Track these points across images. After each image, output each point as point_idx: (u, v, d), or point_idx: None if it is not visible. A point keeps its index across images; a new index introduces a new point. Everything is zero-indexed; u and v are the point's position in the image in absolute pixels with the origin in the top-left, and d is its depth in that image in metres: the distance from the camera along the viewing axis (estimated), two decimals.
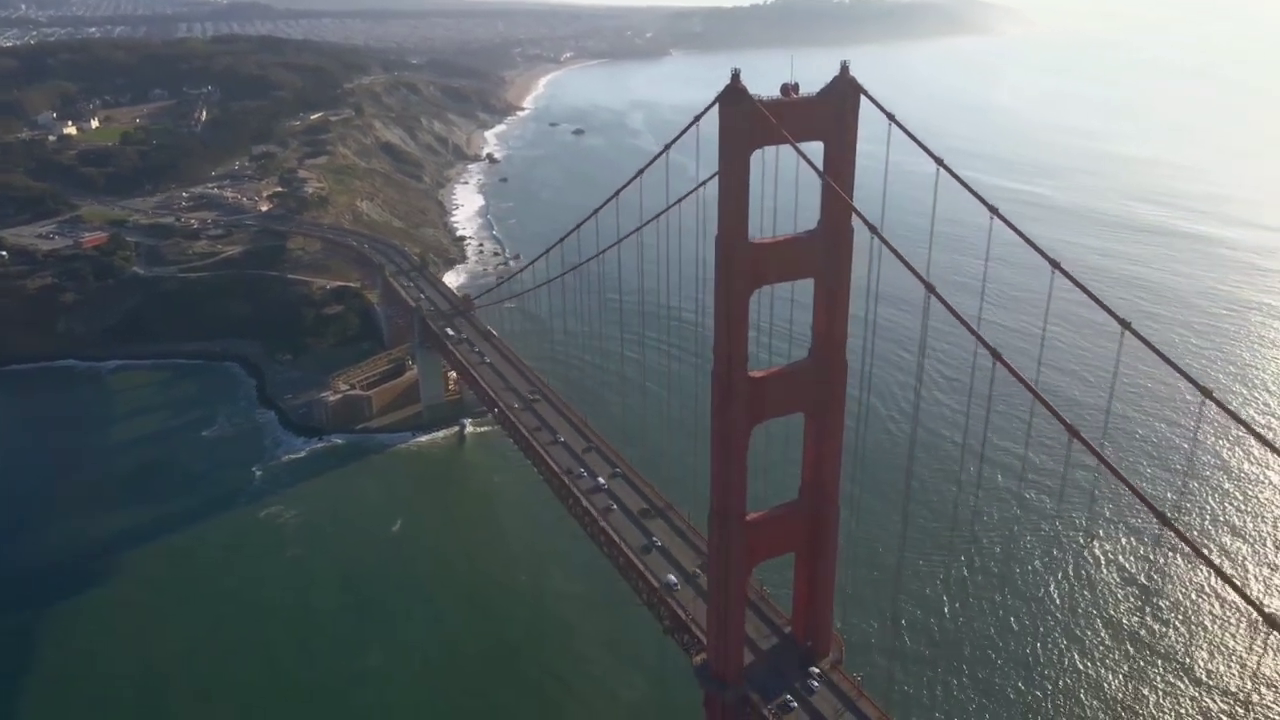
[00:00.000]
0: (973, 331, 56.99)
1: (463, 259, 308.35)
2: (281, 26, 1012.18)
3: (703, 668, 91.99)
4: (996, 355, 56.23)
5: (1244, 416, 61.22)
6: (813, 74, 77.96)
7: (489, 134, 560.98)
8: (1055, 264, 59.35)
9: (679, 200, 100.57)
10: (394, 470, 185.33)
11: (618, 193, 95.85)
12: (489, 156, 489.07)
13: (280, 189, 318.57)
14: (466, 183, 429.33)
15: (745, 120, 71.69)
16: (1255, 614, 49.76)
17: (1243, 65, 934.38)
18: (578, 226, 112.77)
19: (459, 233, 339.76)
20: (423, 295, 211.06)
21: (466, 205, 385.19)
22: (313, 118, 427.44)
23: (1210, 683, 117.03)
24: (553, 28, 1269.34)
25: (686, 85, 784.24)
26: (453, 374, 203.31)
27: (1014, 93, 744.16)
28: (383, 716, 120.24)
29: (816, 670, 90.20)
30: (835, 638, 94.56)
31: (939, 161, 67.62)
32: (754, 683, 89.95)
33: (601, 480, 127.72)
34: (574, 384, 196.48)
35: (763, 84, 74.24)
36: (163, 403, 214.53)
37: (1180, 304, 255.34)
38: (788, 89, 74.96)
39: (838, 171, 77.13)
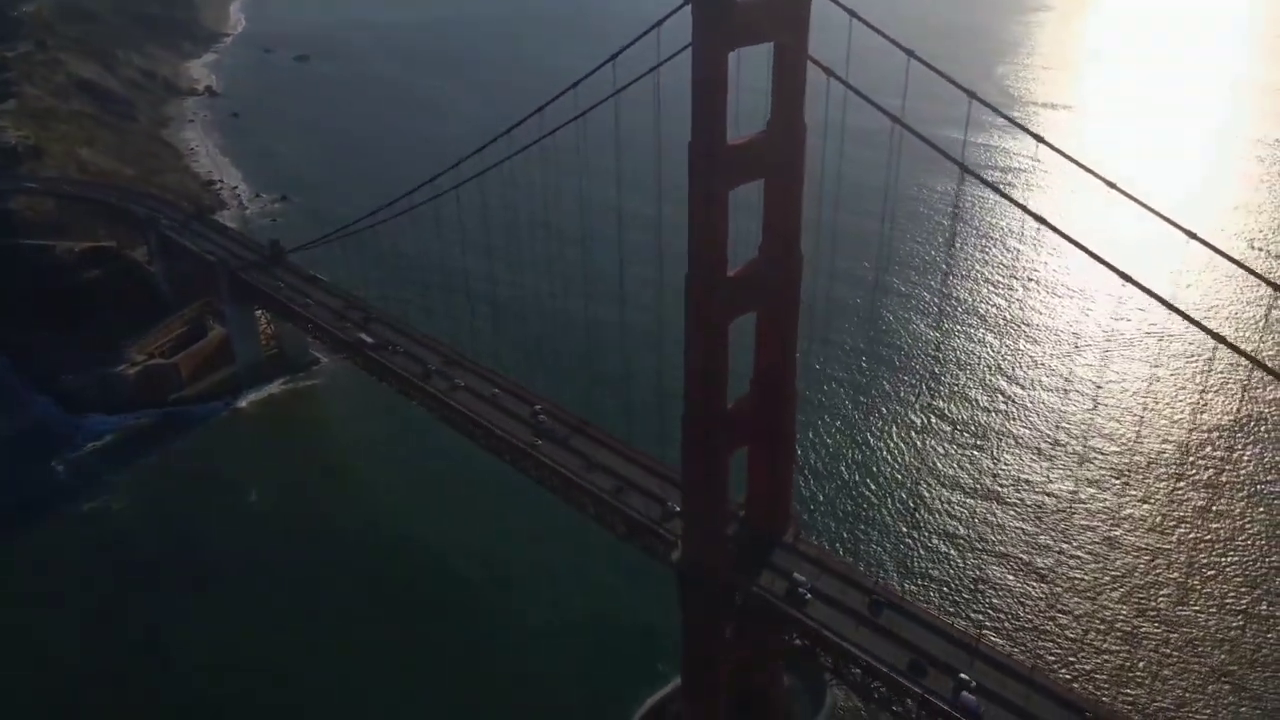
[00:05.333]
0: (1021, 206, 63.37)
1: (222, 206, 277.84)
2: None
3: (682, 563, 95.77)
4: (1041, 220, 63.02)
5: None
6: None
7: (199, 64, 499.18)
8: (1040, 137, 66.80)
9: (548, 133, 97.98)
10: (225, 439, 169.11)
11: (541, 109, 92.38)
12: (208, 90, 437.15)
13: None
14: (192, 120, 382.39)
15: (725, 22, 72.34)
16: None
17: None
18: (478, 151, 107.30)
19: (206, 177, 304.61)
20: (221, 248, 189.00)
21: (201, 146, 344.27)
22: None
23: None
24: None
25: (406, 3, 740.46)
26: (267, 329, 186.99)
27: None
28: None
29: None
30: (792, 516, 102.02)
31: (910, 53, 72.50)
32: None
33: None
34: (431, 318, 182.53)
35: None
36: None
37: None
38: None
39: (791, 70, 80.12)
